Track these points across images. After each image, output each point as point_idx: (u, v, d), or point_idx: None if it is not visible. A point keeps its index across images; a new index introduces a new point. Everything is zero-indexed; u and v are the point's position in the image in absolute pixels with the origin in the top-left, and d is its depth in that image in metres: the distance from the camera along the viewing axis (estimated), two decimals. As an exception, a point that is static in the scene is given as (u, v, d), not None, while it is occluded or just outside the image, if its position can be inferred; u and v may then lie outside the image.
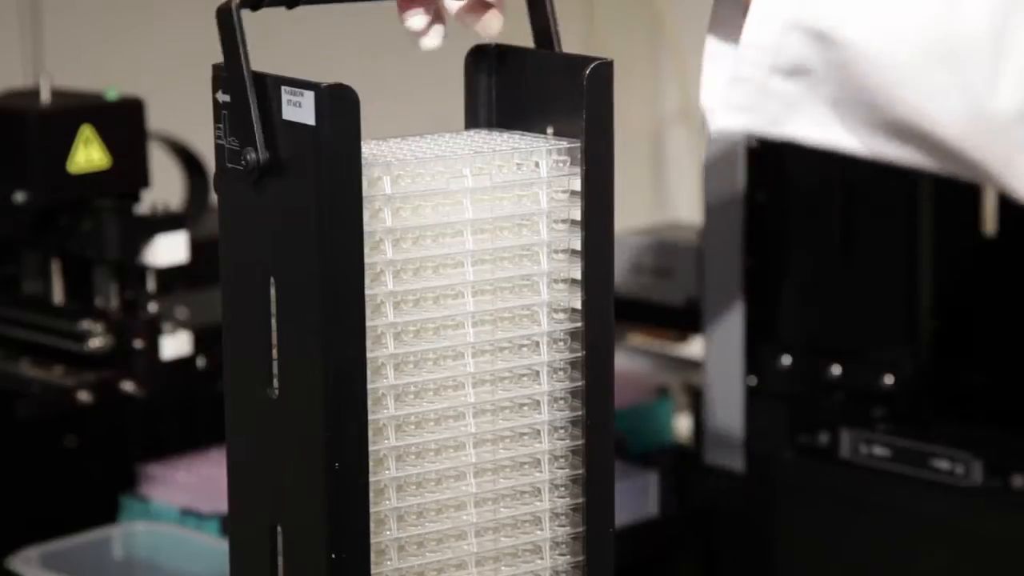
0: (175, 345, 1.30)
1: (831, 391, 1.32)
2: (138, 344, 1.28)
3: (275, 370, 0.82)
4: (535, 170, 0.85)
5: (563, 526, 0.87)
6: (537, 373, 0.85)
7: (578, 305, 0.85)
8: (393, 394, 0.82)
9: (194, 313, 1.35)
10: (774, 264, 1.34)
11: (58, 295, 1.32)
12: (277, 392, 0.82)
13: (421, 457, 0.84)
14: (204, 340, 1.31)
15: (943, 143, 0.85)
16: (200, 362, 1.31)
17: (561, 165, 0.85)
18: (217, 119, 0.84)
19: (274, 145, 0.81)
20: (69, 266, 1.32)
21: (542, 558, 0.87)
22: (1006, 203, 1.34)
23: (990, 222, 1.34)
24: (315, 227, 0.79)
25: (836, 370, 1.32)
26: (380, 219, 0.81)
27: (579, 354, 0.85)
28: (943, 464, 1.27)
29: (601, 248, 0.85)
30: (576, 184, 0.85)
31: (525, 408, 0.85)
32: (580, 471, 0.86)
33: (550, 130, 0.86)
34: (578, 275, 0.85)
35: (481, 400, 0.84)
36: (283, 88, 0.80)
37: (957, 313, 1.32)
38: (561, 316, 0.85)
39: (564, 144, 0.85)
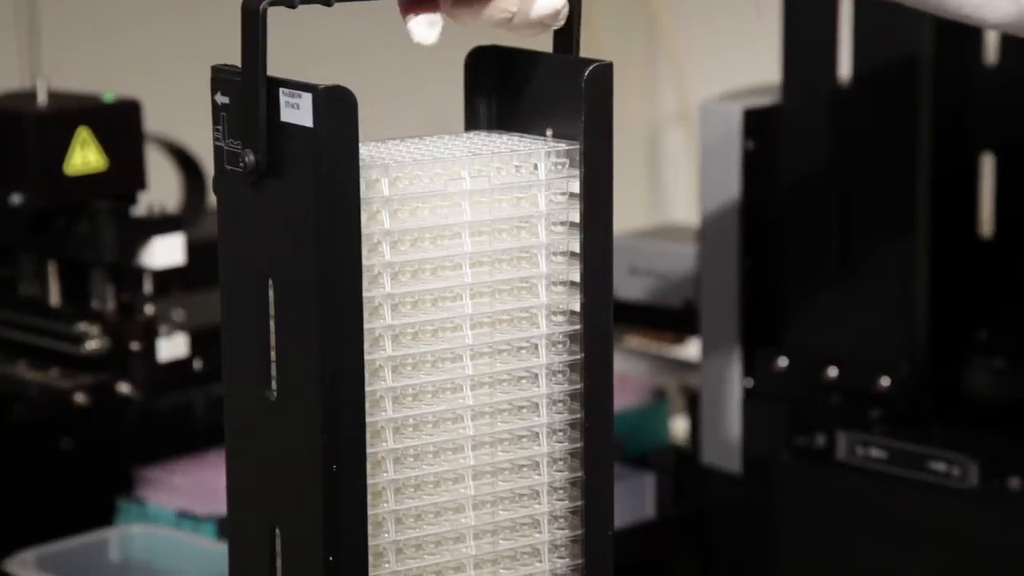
0: (171, 347, 1.30)
1: (828, 393, 1.32)
2: (134, 346, 1.28)
3: (273, 372, 0.82)
4: (533, 172, 0.84)
5: (562, 529, 0.87)
6: (536, 376, 0.85)
7: (577, 308, 0.85)
8: (391, 396, 0.82)
9: (191, 315, 1.34)
10: (771, 266, 1.34)
11: (54, 297, 1.32)
12: (275, 394, 0.82)
13: (419, 460, 0.83)
14: (201, 342, 1.31)
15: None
16: (196, 364, 1.31)
17: (560, 167, 0.85)
18: (216, 121, 0.83)
19: (272, 147, 0.80)
20: (66, 268, 1.32)
21: (540, 561, 0.86)
22: (1003, 206, 1.34)
23: (987, 224, 1.34)
24: (313, 229, 0.79)
25: (833, 372, 1.32)
26: (378, 221, 0.81)
27: (578, 357, 0.85)
28: (940, 466, 1.27)
29: (600, 250, 0.85)
30: (575, 186, 0.85)
31: (524, 411, 0.85)
32: (579, 474, 0.86)
33: (549, 132, 0.86)
34: (577, 277, 0.85)
35: (479, 403, 0.84)
36: (281, 90, 0.80)
37: (954, 315, 1.32)
38: (560, 319, 0.85)
39: (563, 146, 0.85)
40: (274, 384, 0.82)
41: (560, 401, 0.86)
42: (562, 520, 0.87)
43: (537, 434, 0.85)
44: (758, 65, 1.49)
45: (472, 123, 0.89)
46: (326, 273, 0.79)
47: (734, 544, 1.37)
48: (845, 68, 1.30)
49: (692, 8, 2.00)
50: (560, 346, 0.85)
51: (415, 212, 0.82)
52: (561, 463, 0.86)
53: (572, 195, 0.85)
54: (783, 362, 1.34)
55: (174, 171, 1.48)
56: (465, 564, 0.85)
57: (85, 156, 1.29)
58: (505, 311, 0.84)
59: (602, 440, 0.86)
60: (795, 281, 1.33)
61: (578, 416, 0.86)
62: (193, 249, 1.32)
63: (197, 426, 1.39)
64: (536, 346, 0.85)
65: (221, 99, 0.83)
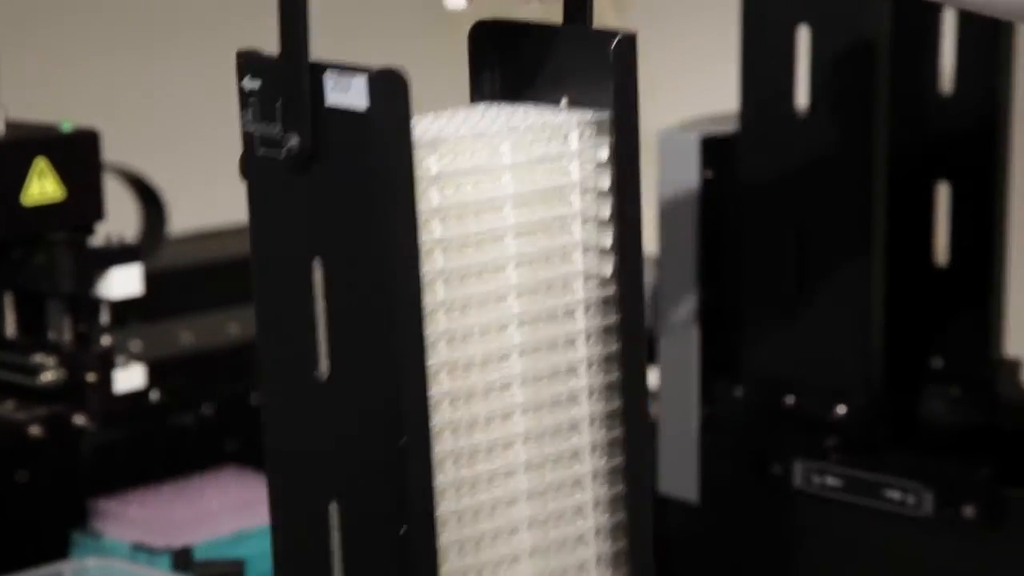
0: (128, 378, 1.29)
1: (784, 421, 1.33)
2: (91, 378, 1.27)
3: (324, 353, 0.82)
4: (564, 143, 0.86)
5: (603, 486, 0.88)
6: (574, 341, 0.87)
7: (610, 272, 0.87)
8: (446, 369, 0.83)
9: (148, 346, 1.34)
10: (728, 295, 1.35)
11: (10, 329, 1.32)
12: (327, 374, 0.82)
13: (472, 428, 0.84)
14: (158, 373, 1.31)
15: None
16: (154, 395, 1.31)
17: (589, 137, 0.86)
18: (244, 106, 0.83)
19: (318, 130, 0.81)
20: (22, 299, 1.31)
21: (584, 519, 0.88)
22: (958, 234, 1.35)
23: (942, 253, 1.35)
24: (372, 212, 0.79)
25: (790, 400, 1.32)
26: (427, 199, 0.82)
27: (613, 319, 0.87)
28: (895, 494, 1.27)
29: (630, 215, 0.87)
30: (604, 154, 0.86)
31: (564, 375, 0.87)
32: (617, 432, 0.88)
33: (564, 101, 0.87)
34: (609, 243, 0.87)
35: (526, 369, 0.85)
36: (328, 72, 0.80)
37: (909, 343, 1.33)
38: (594, 284, 0.87)
39: (593, 116, 0.86)
40: (325, 365, 0.82)
41: (597, 363, 0.87)
42: (603, 478, 0.88)
43: (577, 396, 0.87)
44: (717, 94, 1.49)
45: (478, 96, 0.90)
46: (387, 253, 0.80)
47: (691, 572, 1.37)
48: (802, 98, 1.31)
49: (651, 36, 2.01)
50: (595, 309, 0.87)
51: (459, 188, 0.83)
52: (600, 423, 0.88)
53: (601, 163, 0.87)
54: (740, 391, 1.34)
55: (133, 200, 1.48)
56: (519, 526, 0.86)
57: (42, 186, 1.28)
58: (545, 279, 0.86)
59: (638, 398, 0.88)
60: (751, 310, 1.34)
61: (615, 376, 0.88)
62: (152, 279, 1.31)
63: (154, 458, 1.39)
64: (573, 312, 0.86)
65: (250, 84, 0.83)
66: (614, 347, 0.87)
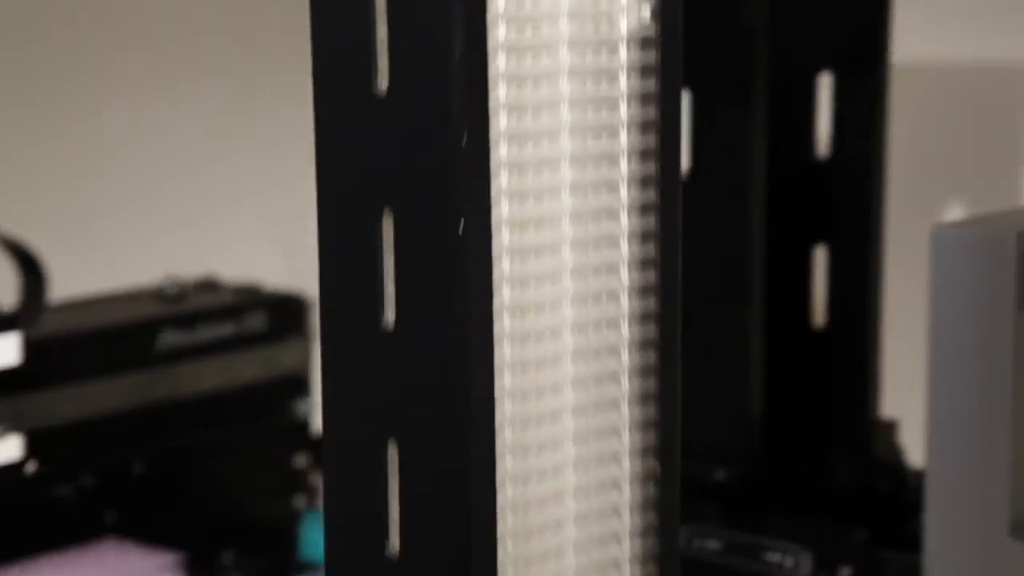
0: (4, 450, 1.28)
1: (666, 486, 1.33)
2: (-36, 450, 1.26)
3: (384, 72, 0.83)
4: None
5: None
6: (617, 159, 0.89)
7: (652, 90, 0.89)
8: (506, 137, 0.85)
9: (26, 416, 1.33)
10: (608, 359, 1.35)
11: None
12: (385, 90, 0.83)
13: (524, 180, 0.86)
14: (36, 443, 1.29)
15: None
16: (31, 467, 1.29)
17: None
18: None
19: None
20: None
21: (619, 411, 0.90)
22: (835, 296, 1.37)
23: (819, 315, 1.37)
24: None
25: (670, 465, 1.33)
26: (495, 4, 0.84)
27: (651, 143, 0.90)
28: (775, 557, 1.28)
29: (671, 39, 0.89)
30: None
31: (607, 190, 0.89)
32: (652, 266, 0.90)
33: None
34: (652, 62, 0.89)
35: (575, 178, 0.88)
36: None
37: (788, 406, 1.34)
38: (636, 106, 0.89)
39: None
40: (384, 81, 0.83)
41: (635, 183, 0.90)
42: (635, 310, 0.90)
43: (617, 212, 0.89)
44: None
45: None
46: (459, 39, 0.81)
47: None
48: (683, 161, 1.32)
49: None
50: (635, 130, 0.89)
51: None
52: (636, 239, 0.90)
53: None
54: (620, 455, 1.34)
55: (11, 268, 1.46)
56: (562, 388, 0.88)
57: (-83, 255, 1.27)
58: (593, 97, 0.88)
59: (672, 209, 0.90)
60: (632, 374, 1.34)
61: (652, 193, 0.90)
62: (30, 348, 1.30)
63: (31, 530, 1.37)
64: (617, 129, 0.89)
65: None
66: (652, 168, 0.90)
